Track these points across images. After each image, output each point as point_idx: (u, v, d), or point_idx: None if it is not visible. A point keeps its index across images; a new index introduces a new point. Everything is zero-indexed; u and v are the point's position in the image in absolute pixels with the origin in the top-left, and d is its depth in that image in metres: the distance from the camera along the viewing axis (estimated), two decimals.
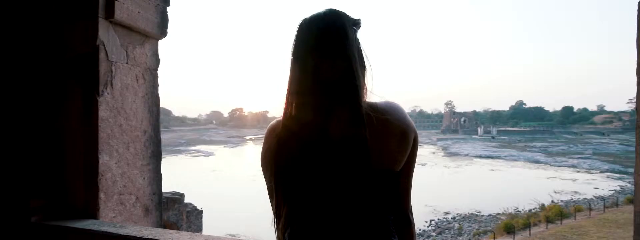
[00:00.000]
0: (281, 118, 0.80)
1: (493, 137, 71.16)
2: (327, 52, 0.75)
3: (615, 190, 26.42)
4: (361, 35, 0.81)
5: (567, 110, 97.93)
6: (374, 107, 0.77)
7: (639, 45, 0.89)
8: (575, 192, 26.12)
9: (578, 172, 35.72)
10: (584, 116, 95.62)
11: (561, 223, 15.27)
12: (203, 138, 74.59)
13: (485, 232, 16.13)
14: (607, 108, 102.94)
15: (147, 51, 1.73)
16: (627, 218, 14.72)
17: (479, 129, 79.21)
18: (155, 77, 1.73)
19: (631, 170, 34.07)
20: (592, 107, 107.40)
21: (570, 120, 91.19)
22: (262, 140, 0.84)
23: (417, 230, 20.49)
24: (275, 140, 0.78)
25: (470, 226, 18.04)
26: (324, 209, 0.75)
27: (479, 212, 20.79)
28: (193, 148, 56.81)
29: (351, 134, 0.73)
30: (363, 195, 0.74)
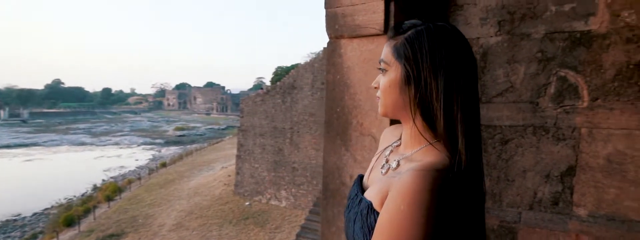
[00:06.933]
0: (446, 164, 0.56)
1: (25, 121, 60.14)
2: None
3: (149, 159, 32.75)
4: None
5: (107, 91, 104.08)
6: None
7: (327, 80, 1.50)
8: (122, 166, 29.07)
9: (121, 148, 39.76)
10: (121, 97, 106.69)
11: (120, 197, 16.60)
12: None
13: (35, 236, 14.04)
14: (137, 91, 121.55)
15: None
16: (165, 179, 19.22)
17: (1, 112, 63.57)
18: None
19: (158, 141, 44.08)
20: (127, 90, 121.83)
21: (110, 101, 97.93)
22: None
23: None
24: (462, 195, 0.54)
25: (11, 236, 14.70)
26: None
27: (19, 214, 17.37)
28: None
29: None
30: None
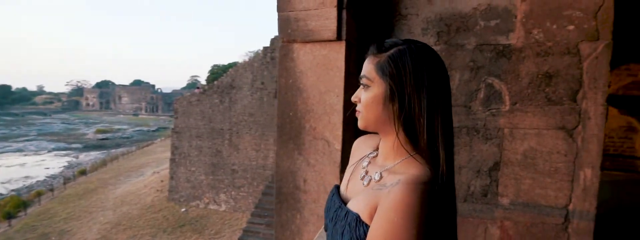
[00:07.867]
0: (429, 172, 0.60)
1: None
2: None
3: (64, 167, 28.92)
4: None
5: (4, 89, 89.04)
6: None
7: (279, 84, 1.53)
8: (27, 176, 25.35)
9: (26, 155, 34.47)
10: (25, 96, 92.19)
11: (26, 213, 14.33)
12: None
13: None
14: (47, 89, 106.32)
15: None
16: (85, 188, 17.17)
17: None
18: None
19: (75, 145, 38.91)
20: (32, 87, 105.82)
21: (10, 101, 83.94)
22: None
23: None
24: (440, 201, 0.59)
25: None
26: None
27: None
28: None
29: None
30: None
